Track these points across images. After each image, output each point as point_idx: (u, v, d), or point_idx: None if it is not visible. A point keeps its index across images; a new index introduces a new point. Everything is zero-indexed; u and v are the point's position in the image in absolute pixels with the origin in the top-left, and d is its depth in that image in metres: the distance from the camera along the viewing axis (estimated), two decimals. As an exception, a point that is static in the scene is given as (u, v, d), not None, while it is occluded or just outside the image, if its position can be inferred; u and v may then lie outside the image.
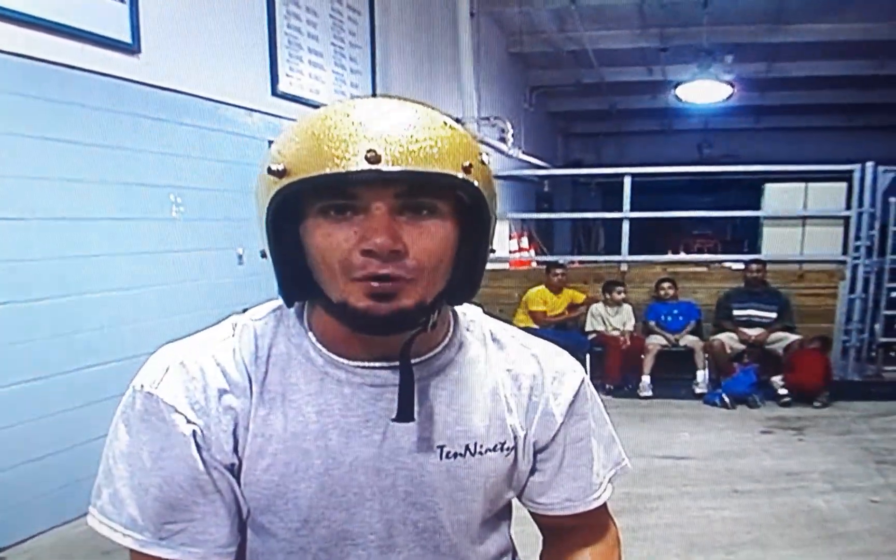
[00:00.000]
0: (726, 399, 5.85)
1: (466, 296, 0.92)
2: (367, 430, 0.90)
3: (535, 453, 1.01)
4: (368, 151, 0.76)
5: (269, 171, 0.80)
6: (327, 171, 0.77)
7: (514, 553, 1.12)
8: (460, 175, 0.80)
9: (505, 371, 1.00)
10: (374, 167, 0.76)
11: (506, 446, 0.97)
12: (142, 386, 0.87)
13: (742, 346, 6.20)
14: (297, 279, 0.87)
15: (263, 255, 0.87)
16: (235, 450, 0.88)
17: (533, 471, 1.03)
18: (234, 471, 0.89)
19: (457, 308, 0.99)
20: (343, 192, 0.80)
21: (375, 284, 0.80)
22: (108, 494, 0.87)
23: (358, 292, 0.81)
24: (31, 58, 3.21)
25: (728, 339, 6.23)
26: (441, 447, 0.93)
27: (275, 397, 0.89)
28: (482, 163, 0.85)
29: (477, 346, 0.99)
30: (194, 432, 0.86)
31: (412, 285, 0.82)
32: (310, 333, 0.92)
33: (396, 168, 0.77)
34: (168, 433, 0.85)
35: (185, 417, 0.85)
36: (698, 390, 6.18)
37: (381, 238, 0.78)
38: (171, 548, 0.86)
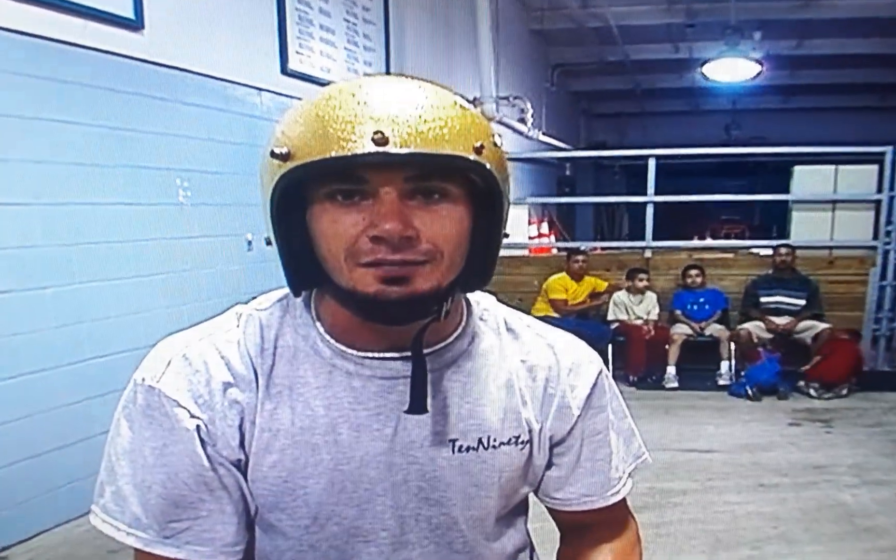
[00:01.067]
0: (750, 391, 5.73)
1: (480, 283, 0.89)
2: (378, 423, 0.88)
3: (552, 447, 0.99)
4: (375, 133, 0.74)
5: (273, 154, 0.78)
6: (333, 154, 0.75)
7: (532, 549, 1.10)
8: (472, 157, 0.78)
9: (519, 362, 0.97)
10: (381, 149, 0.74)
11: (520, 440, 0.95)
12: (143, 380, 0.86)
13: (769, 336, 6.06)
14: (304, 267, 0.84)
15: (269, 243, 0.84)
16: (242, 445, 0.86)
17: (549, 465, 1.00)
18: (241, 467, 0.87)
19: (470, 296, 0.97)
20: (350, 176, 0.77)
21: (387, 268, 0.77)
22: (110, 492, 0.86)
23: (367, 277, 0.78)
24: (30, 34, 3.12)
25: (755, 328, 6.10)
26: (453, 441, 0.91)
27: (282, 391, 0.87)
28: (494, 144, 0.82)
29: (491, 336, 0.97)
30: (198, 427, 0.84)
31: (427, 269, 0.79)
32: (317, 323, 0.90)
33: (405, 150, 0.74)
34: (171, 428, 0.83)
35: (189, 412, 0.84)
36: (721, 382, 6.06)
37: (391, 224, 0.76)
38: (176, 546, 0.84)
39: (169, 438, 0.83)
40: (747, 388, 5.76)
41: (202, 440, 0.84)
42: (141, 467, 0.84)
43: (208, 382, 0.85)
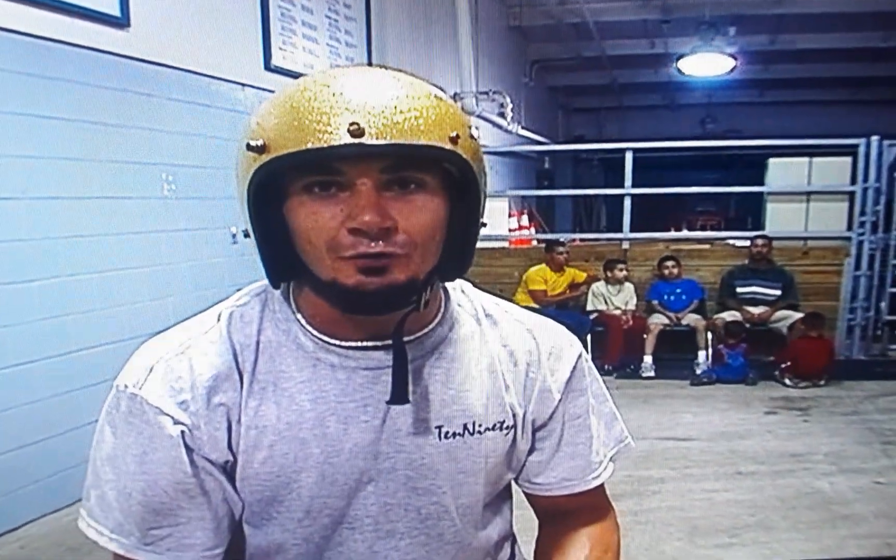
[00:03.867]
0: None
1: (458, 272, 0.89)
2: (366, 415, 0.87)
3: (534, 432, 0.99)
4: (351, 124, 0.73)
5: (248, 147, 0.76)
6: (308, 146, 0.74)
7: (514, 540, 1.11)
8: (447, 146, 0.77)
9: (501, 347, 0.97)
10: (357, 141, 0.73)
11: (504, 425, 0.95)
12: (126, 386, 0.85)
13: (746, 325, 6.14)
14: (282, 259, 0.83)
15: (246, 235, 0.83)
16: (230, 446, 0.86)
17: (531, 450, 1.00)
18: (228, 468, 0.87)
19: (447, 284, 0.96)
20: (326, 167, 0.76)
21: (366, 260, 0.77)
22: (95, 497, 0.86)
23: (347, 269, 0.78)
24: (17, 32, 3.13)
25: (731, 317, 6.17)
26: (439, 427, 0.90)
27: (265, 387, 0.86)
28: (471, 136, 0.81)
29: (470, 322, 0.97)
30: (182, 433, 0.83)
31: (404, 261, 0.79)
32: (298, 315, 0.89)
33: (381, 141, 0.73)
34: (152, 436, 0.83)
35: (172, 418, 0.83)
36: (699, 370, 6.13)
37: (369, 216, 0.75)
38: (156, 553, 0.85)
39: (149, 446, 0.83)
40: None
41: (187, 446, 0.83)
42: (123, 474, 0.83)
43: (192, 387, 0.84)
